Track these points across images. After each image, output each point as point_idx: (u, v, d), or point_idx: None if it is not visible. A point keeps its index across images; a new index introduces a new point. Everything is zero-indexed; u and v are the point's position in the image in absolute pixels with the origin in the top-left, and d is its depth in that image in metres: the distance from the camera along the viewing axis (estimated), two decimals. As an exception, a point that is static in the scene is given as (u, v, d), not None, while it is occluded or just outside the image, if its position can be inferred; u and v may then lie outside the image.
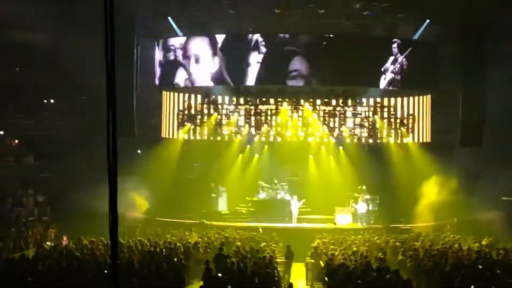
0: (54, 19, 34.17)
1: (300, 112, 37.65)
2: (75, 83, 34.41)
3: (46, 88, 38.05)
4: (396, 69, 32.82)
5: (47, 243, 26.14)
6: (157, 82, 35.28)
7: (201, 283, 18.49)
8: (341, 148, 37.99)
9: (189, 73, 33.76)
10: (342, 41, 33.07)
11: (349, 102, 37.48)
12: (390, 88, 33.87)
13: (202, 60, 33.46)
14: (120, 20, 28.12)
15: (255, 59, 32.85)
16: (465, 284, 16.90)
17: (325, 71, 32.86)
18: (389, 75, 32.85)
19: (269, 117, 37.78)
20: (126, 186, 27.45)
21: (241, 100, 37.62)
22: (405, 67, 32.86)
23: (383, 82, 33.05)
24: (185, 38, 34.02)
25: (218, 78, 33.55)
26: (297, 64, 32.73)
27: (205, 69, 33.39)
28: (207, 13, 33.40)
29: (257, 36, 32.94)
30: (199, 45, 33.70)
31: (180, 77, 34.09)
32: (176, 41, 34.22)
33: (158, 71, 35.03)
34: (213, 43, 33.31)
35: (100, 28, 5.09)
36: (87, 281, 16.67)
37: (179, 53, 34.02)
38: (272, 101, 37.65)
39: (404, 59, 32.86)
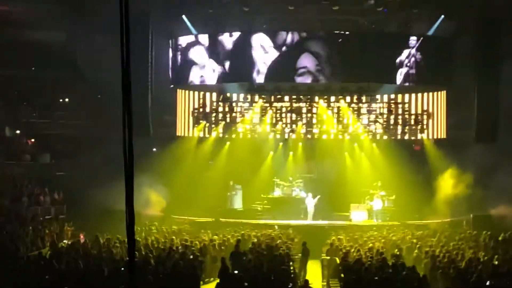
0: (70, 18, 34.33)
1: (314, 109, 37.58)
2: (90, 82, 34.58)
3: (61, 87, 38.26)
4: (411, 64, 32.72)
5: (64, 241, 26.25)
6: (171, 80, 35.36)
7: (217, 280, 18.53)
8: (356, 145, 37.89)
9: (203, 71, 33.81)
10: (356, 37, 33.03)
11: (364, 98, 37.37)
12: (405, 84, 33.77)
13: (215, 58, 33.51)
14: (135, 18, 28.21)
15: (267, 57, 32.89)
16: (481, 281, 16.84)
17: (339, 67, 32.85)
18: (403, 71, 32.76)
19: (283, 115, 37.73)
20: (142, 184, 27.55)
21: (256, 98, 37.59)
22: (419, 62, 32.74)
23: (398, 78, 32.96)
24: (199, 36, 34.06)
25: (231, 76, 33.60)
26: (306, 61, 32.74)
27: (219, 67, 33.42)
28: (221, 10, 33.42)
29: (269, 33, 32.99)
30: (213, 43, 33.76)
31: (194, 76, 34.19)
32: (190, 39, 34.27)
33: (172, 69, 35.10)
34: (226, 41, 33.37)
35: (115, 27, 5.12)
36: (104, 279, 16.74)
37: (193, 51, 34.09)
38: (286, 98, 37.59)
39: (418, 54, 32.75)
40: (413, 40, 32.85)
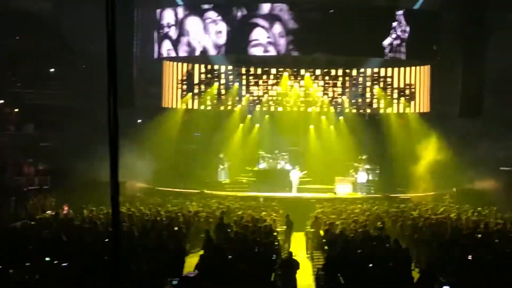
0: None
1: (301, 82, 37.58)
2: (76, 52, 34.29)
3: (46, 56, 37.88)
4: (397, 38, 32.62)
5: (48, 212, 26.21)
6: (156, 52, 35.11)
7: (202, 252, 18.58)
8: (341, 118, 37.93)
9: (188, 43, 33.58)
10: (344, 11, 32.87)
11: (349, 72, 37.37)
12: (391, 57, 33.68)
13: (200, 30, 33.23)
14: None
15: (252, 29, 32.70)
16: (464, 253, 16.99)
17: (325, 41, 32.69)
18: (390, 45, 32.68)
19: (269, 87, 37.69)
20: (127, 156, 27.47)
21: (242, 70, 37.52)
22: (406, 36, 32.65)
23: (384, 52, 32.88)
24: (184, 8, 33.78)
25: (217, 48, 33.41)
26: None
27: (204, 38, 33.16)
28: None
29: (251, 5, 32.84)
30: (197, 17, 33.51)
31: (179, 47, 33.92)
32: (175, 12, 33.97)
33: (157, 41, 34.82)
34: (210, 14, 33.15)
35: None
36: (87, 250, 16.74)
37: (178, 23, 33.84)
38: (273, 70, 37.54)
39: (405, 28, 32.66)
40: (399, 14, 32.72)
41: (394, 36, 32.44)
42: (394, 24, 32.47)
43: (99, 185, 25.35)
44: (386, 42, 32.29)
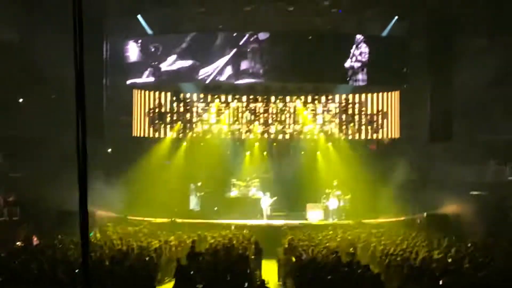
0: (24, 16, 33.83)
1: (271, 109, 37.74)
2: (45, 82, 34.12)
3: (15, 86, 37.61)
4: (364, 65, 32.95)
5: (17, 243, 25.88)
6: (127, 80, 35.08)
7: (173, 281, 18.47)
8: (312, 144, 38.08)
9: (159, 72, 33.66)
10: (311, 38, 33.17)
11: (319, 98, 37.61)
12: (359, 84, 34.01)
13: (171, 58, 33.38)
14: (90, 17, 27.96)
15: (222, 57, 32.94)
16: (435, 279, 17.07)
17: (293, 68, 33.00)
18: (357, 72, 33.00)
19: (240, 114, 37.81)
20: (97, 185, 27.30)
21: (211, 98, 37.67)
22: (373, 62, 32.99)
23: (351, 78, 33.18)
24: (154, 36, 33.93)
25: (187, 76, 33.52)
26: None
27: (175, 67, 33.29)
28: (176, 10, 33.31)
29: (223, 34, 33.12)
30: (169, 43, 33.69)
31: (150, 76, 33.98)
32: (146, 39, 34.12)
33: (128, 69, 34.81)
34: (182, 41, 33.34)
35: (69, 26, 5.08)
36: (58, 281, 16.55)
37: (148, 51, 33.95)
38: (244, 98, 37.70)
39: (372, 54, 33.01)
40: (366, 40, 33.07)
41: (354, 60, 32.78)
42: (355, 49, 32.78)
43: (70, 215, 25.13)
44: (347, 66, 32.62)
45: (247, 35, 32.96)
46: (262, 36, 33.07)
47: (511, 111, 36.41)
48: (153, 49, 33.90)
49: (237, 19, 33.97)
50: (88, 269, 5.36)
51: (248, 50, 32.93)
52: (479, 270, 18.59)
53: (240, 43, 33.00)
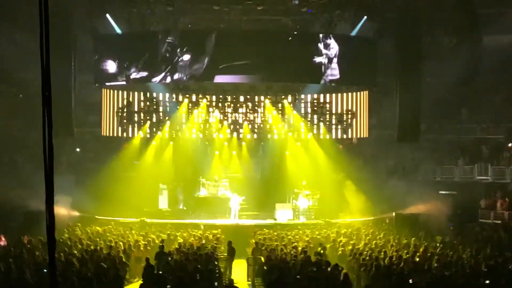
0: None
1: (240, 109, 37.79)
2: (12, 81, 33.80)
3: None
4: (333, 65, 33.03)
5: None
6: (95, 79, 34.82)
7: (141, 281, 18.41)
8: (281, 144, 38.19)
9: (128, 71, 33.44)
10: (279, 37, 33.20)
11: (288, 98, 37.71)
12: (328, 84, 34.10)
13: (139, 57, 33.19)
14: (57, 16, 27.76)
15: (190, 56, 32.86)
16: (403, 278, 17.22)
17: (262, 67, 33.00)
18: (326, 71, 33.08)
19: (209, 114, 37.78)
20: (65, 185, 27.11)
21: (180, 97, 37.59)
22: (342, 62, 33.08)
23: (320, 78, 33.28)
24: (122, 34, 33.73)
25: (155, 76, 33.37)
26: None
27: (143, 66, 33.11)
28: (145, 9, 33.11)
29: (192, 33, 33.08)
30: (137, 43, 33.55)
31: (119, 75, 33.74)
32: (114, 38, 33.91)
33: (96, 69, 34.52)
34: (149, 40, 33.27)
35: (36, 25, 5.03)
36: (26, 281, 16.41)
37: (117, 50, 33.74)
38: (214, 98, 37.67)
39: (341, 54, 33.10)
40: (335, 40, 33.18)
41: (322, 59, 32.87)
42: (324, 48, 32.88)
43: (38, 215, 24.92)
44: (316, 65, 32.71)
45: (213, 35, 32.81)
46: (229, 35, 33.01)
47: (478, 111, 36.93)
48: (121, 49, 33.68)
49: (206, 19, 33.85)
50: (55, 269, 5.31)
51: (218, 49, 32.80)
52: (447, 269, 18.79)
53: (205, 43, 32.83)
